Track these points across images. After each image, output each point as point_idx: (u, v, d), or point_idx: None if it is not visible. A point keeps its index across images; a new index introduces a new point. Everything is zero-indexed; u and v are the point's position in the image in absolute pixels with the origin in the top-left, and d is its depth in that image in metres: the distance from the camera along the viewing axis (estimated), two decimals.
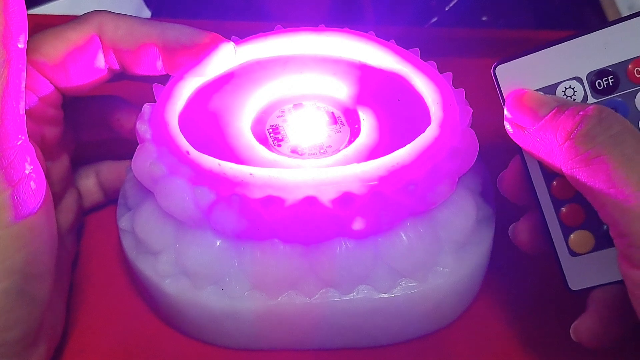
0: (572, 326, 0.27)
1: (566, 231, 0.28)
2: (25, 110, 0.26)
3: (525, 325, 0.33)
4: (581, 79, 0.27)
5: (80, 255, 0.35)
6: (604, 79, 0.27)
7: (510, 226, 0.30)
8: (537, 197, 0.28)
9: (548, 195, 0.28)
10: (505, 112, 0.27)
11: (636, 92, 0.27)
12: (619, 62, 0.26)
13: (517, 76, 0.27)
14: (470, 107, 0.31)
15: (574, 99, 0.27)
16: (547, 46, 0.27)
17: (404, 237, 0.29)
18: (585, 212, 0.27)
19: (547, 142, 0.25)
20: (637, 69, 0.26)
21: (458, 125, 0.30)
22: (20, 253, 0.26)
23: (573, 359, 0.30)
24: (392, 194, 0.27)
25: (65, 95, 0.31)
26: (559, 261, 0.28)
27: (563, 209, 0.28)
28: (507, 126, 0.27)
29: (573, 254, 0.28)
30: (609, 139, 0.23)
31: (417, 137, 0.29)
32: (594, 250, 0.27)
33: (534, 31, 0.51)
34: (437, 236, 0.30)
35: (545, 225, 0.28)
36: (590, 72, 0.27)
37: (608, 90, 0.27)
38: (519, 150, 0.28)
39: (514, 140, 0.27)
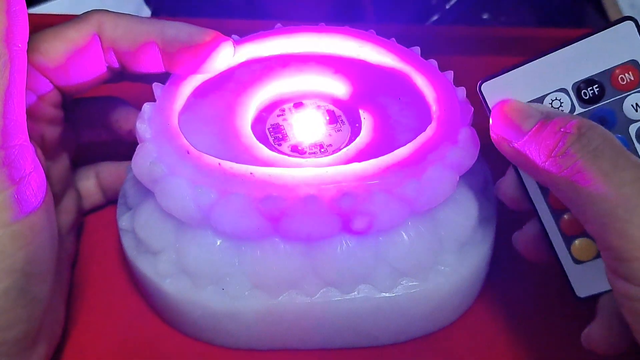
0: (583, 334, 0.27)
1: (567, 240, 0.28)
2: (25, 109, 0.26)
3: (527, 325, 0.32)
4: (567, 90, 0.27)
5: (80, 255, 0.35)
6: (589, 89, 0.27)
7: (513, 235, 0.30)
8: (535, 208, 0.28)
9: (546, 206, 0.28)
10: (491, 125, 0.27)
11: (622, 99, 0.27)
12: (603, 71, 0.27)
13: (503, 92, 0.27)
14: (472, 105, 0.31)
15: (562, 111, 0.27)
16: (530, 60, 0.27)
17: (405, 236, 0.29)
18: None
19: (531, 157, 0.25)
20: (621, 77, 0.26)
21: (459, 123, 0.30)
22: (20, 252, 0.26)
23: (574, 359, 0.30)
24: (393, 193, 0.27)
25: (65, 95, 0.31)
26: (564, 269, 0.28)
27: (562, 218, 0.28)
28: (493, 138, 0.27)
29: (577, 261, 0.28)
30: (588, 154, 0.24)
31: (418, 135, 0.29)
32: (597, 257, 0.27)
33: (534, 29, 0.51)
34: (438, 235, 0.30)
35: (546, 235, 0.28)
36: (575, 83, 0.27)
37: (594, 99, 0.27)
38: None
39: (500, 151, 0.27)
